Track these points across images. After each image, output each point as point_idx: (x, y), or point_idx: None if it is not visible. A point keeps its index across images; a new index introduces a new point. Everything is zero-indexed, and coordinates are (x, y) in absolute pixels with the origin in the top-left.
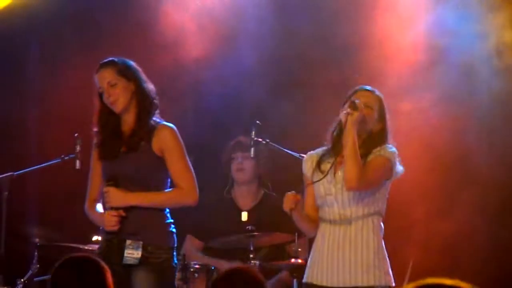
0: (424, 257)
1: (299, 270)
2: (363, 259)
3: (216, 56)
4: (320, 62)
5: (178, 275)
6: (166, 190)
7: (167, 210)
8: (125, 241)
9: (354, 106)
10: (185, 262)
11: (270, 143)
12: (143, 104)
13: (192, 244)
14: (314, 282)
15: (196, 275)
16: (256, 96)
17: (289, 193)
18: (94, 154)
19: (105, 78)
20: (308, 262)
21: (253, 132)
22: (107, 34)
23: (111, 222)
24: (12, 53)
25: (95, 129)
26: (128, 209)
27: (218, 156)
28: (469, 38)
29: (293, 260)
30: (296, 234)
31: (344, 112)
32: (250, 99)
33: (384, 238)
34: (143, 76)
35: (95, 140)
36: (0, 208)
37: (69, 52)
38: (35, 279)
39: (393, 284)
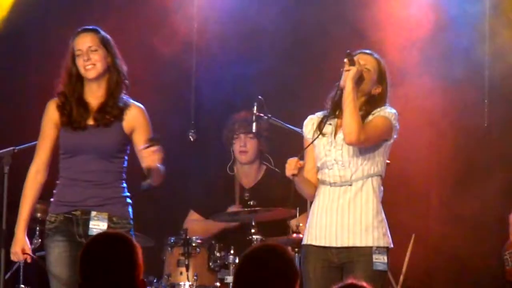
0: (426, 230)
1: (301, 245)
2: (362, 220)
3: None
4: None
5: (179, 250)
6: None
7: (125, 184)
8: (89, 213)
9: (351, 61)
10: (187, 237)
11: (272, 118)
12: (117, 79)
13: (193, 219)
14: (313, 243)
15: (198, 250)
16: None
17: (291, 158)
18: (51, 118)
19: (87, 41)
20: (307, 224)
21: (255, 107)
22: (113, 10)
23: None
24: (13, 31)
25: (59, 90)
26: (93, 183)
27: (220, 132)
28: None
29: (294, 235)
30: (298, 209)
31: (342, 69)
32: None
33: (386, 210)
34: (119, 54)
35: (55, 102)
36: (1, 183)
37: (72, 27)
38: (37, 253)
39: (391, 246)
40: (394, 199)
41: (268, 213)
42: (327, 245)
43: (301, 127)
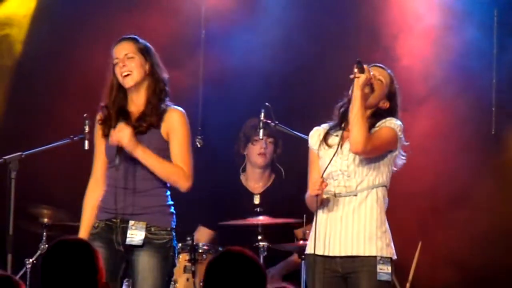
0: (433, 238)
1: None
2: (366, 229)
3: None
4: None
5: (186, 256)
6: (169, 162)
7: (168, 192)
8: (128, 222)
9: (360, 68)
10: (194, 244)
11: (279, 124)
12: (155, 87)
13: (202, 235)
14: (316, 253)
15: (205, 256)
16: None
17: (317, 177)
18: (99, 131)
19: (124, 49)
20: (310, 234)
21: (262, 114)
22: (115, 15)
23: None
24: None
25: (102, 104)
26: (132, 191)
27: (227, 136)
28: None
29: (301, 242)
30: (305, 217)
31: (351, 76)
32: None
33: (393, 218)
34: (160, 63)
35: (99, 116)
36: (8, 188)
37: (79, 32)
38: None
39: (395, 257)
40: (401, 207)
41: (276, 220)
42: (330, 254)
43: (307, 134)
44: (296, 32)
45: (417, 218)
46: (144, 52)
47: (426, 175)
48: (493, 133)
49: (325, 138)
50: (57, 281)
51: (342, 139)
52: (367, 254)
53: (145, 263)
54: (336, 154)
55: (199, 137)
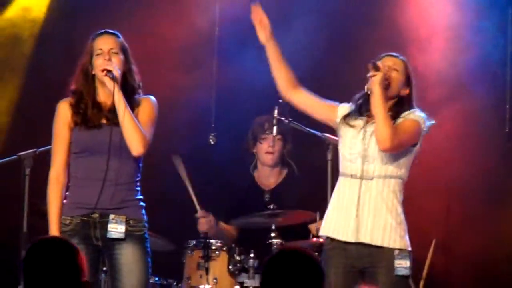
0: (447, 236)
1: (321, 249)
2: (380, 220)
3: None
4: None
5: (199, 253)
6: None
7: (139, 186)
8: (107, 216)
9: (375, 67)
10: (207, 240)
11: (293, 122)
12: (131, 84)
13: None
14: (330, 235)
15: (218, 253)
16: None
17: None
18: (63, 119)
19: (110, 43)
20: (325, 215)
21: (276, 111)
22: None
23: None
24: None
25: (73, 88)
26: (111, 184)
27: (239, 133)
28: None
29: (315, 239)
30: (318, 213)
31: (368, 75)
32: None
33: (407, 215)
34: (134, 64)
35: (69, 101)
36: (22, 185)
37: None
38: None
39: (409, 248)
40: (415, 204)
41: (289, 216)
42: (343, 239)
43: (322, 131)
44: (309, 35)
45: (431, 215)
46: (125, 50)
47: (442, 173)
48: (506, 130)
49: (346, 117)
50: (40, 281)
51: (365, 123)
52: (379, 244)
53: (129, 255)
54: (355, 136)
55: (212, 134)
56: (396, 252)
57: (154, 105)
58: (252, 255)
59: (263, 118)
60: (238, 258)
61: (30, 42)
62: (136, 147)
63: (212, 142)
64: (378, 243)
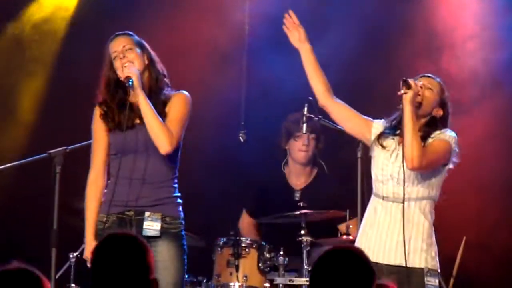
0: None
1: None
2: (411, 242)
3: None
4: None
5: (229, 250)
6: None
7: (176, 184)
8: (143, 214)
9: (407, 85)
10: (237, 238)
11: (323, 119)
12: (157, 78)
13: (246, 221)
14: None
15: (248, 250)
16: None
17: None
18: (99, 125)
19: (121, 42)
20: (358, 235)
21: (305, 109)
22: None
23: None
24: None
25: (99, 100)
26: (145, 182)
27: (271, 130)
28: None
29: (344, 237)
30: (348, 211)
31: (399, 93)
32: None
33: (439, 212)
34: (155, 56)
35: (98, 112)
36: (53, 182)
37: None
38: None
39: (438, 270)
40: (449, 202)
41: (318, 215)
42: (373, 259)
43: None
44: (340, 33)
45: (464, 214)
46: (141, 44)
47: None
48: None
49: (379, 136)
50: (108, 277)
51: (397, 144)
52: (409, 265)
53: (164, 252)
54: (388, 158)
55: (242, 131)
56: (426, 270)
57: (186, 101)
58: (281, 252)
59: (297, 114)
60: (268, 255)
61: (60, 39)
62: (162, 146)
63: (242, 140)
64: (409, 265)
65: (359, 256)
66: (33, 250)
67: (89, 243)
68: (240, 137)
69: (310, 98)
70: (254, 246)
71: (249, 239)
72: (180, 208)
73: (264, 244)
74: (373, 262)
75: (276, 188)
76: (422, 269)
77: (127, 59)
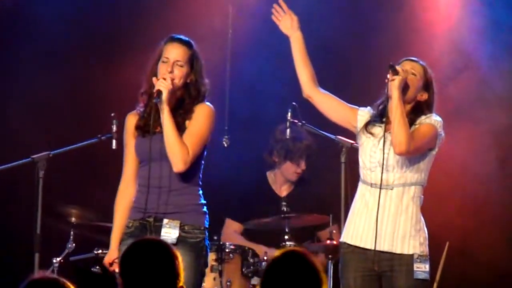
0: (461, 238)
1: (334, 252)
2: (400, 228)
3: None
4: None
5: (213, 255)
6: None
7: (201, 191)
8: (162, 220)
9: (394, 71)
10: (220, 243)
11: (306, 124)
12: (191, 94)
13: (231, 228)
14: (349, 242)
15: (231, 255)
16: None
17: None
18: (130, 129)
19: (177, 54)
20: (346, 222)
21: (289, 114)
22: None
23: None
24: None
25: (144, 90)
26: (166, 189)
27: (251, 136)
28: None
29: (328, 242)
30: (331, 216)
31: (386, 80)
32: None
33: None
34: (203, 70)
35: (132, 114)
36: (36, 187)
37: (106, 35)
38: (71, 258)
39: (427, 255)
40: (429, 206)
41: (302, 219)
42: (362, 245)
43: (335, 134)
44: (326, 30)
45: (445, 218)
46: (194, 61)
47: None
48: None
49: (367, 124)
50: (138, 282)
51: (384, 131)
52: (398, 252)
53: None
54: (375, 146)
55: (226, 136)
56: (416, 256)
57: (208, 114)
58: (265, 257)
59: (303, 143)
60: (251, 260)
61: None
62: (175, 164)
63: (225, 145)
64: (398, 252)
65: (308, 262)
66: (16, 255)
67: (111, 251)
68: (224, 142)
69: (294, 103)
70: (237, 251)
71: (233, 244)
72: (204, 218)
73: (247, 249)
74: (362, 248)
75: (260, 194)
76: (411, 255)
77: (171, 75)
